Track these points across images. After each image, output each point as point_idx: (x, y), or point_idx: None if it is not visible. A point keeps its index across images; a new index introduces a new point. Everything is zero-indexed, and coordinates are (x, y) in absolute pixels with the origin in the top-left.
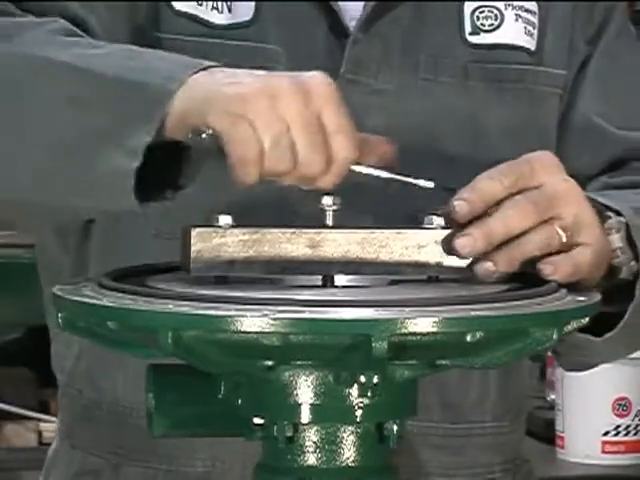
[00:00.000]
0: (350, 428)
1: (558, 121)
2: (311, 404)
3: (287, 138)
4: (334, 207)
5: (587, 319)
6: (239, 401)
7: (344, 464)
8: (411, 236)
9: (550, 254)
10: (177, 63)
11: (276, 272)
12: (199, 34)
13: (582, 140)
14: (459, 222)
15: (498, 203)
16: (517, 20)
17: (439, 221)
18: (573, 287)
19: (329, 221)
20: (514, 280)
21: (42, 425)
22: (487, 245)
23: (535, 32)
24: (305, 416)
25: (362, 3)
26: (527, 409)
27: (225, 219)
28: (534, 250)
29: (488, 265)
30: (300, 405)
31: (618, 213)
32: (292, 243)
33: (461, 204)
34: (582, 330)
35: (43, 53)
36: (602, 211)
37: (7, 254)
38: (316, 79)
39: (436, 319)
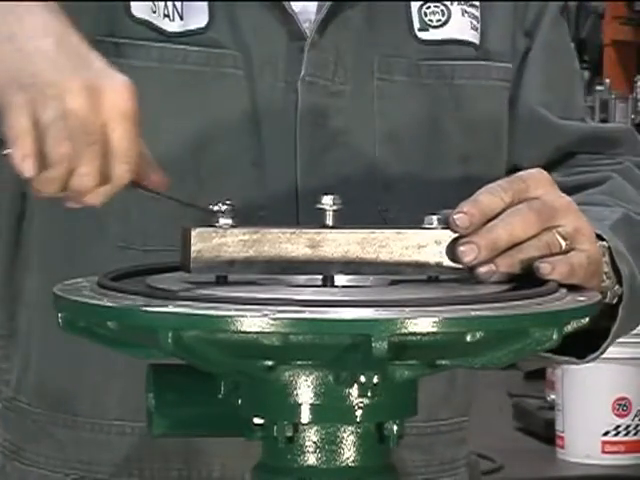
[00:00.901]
0: (350, 428)
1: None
2: (311, 404)
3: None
4: (334, 207)
5: (587, 319)
6: (239, 401)
7: (344, 464)
8: (411, 236)
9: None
10: None
11: (276, 272)
12: (160, 40)
13: (527, 131)
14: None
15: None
16: (463, 15)
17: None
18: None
19: (329, 221)
20: (514, 280)
21: None
22: (490, 253)
23: (479, 26)
24: (305, 416)
25: (315, 4)
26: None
27: (225, 219)
28: (535, 254)
29: (489, 266)
30: (300, 405)
31: (600, 237)
32: (292, 243)
33: (462, 217)
34: (561, 351)
35: None
36: None
37: None
38: (115, 86)
39: (436, 319)
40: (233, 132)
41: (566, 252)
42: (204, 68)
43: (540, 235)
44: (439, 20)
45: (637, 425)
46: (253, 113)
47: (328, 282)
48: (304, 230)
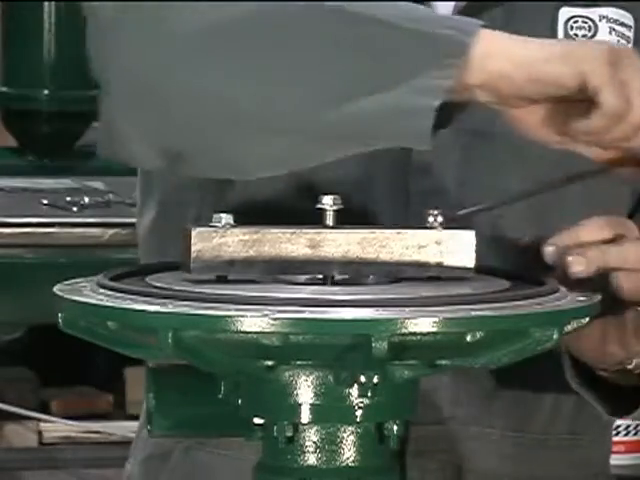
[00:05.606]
0: (350, 428)
1: None
2: (311, 404)
3: None
4: (334, 207)
5: (587, 319)
6: (239, 401)
7: (344, 464)
8: (411, 236)
9: None
10: (460, 20)
11: (276, 272)
12: None
13: None
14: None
15: None
16: (611, 33)
17: (439, 220)
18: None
19: (329, 221)
20: (514, 280)
21: (42, 425)
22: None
23: (630, 46)
24: (305, 416)
25: (453, 3)
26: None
27: (226, 219)
28: None
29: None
30: (300, 405)
31: None
32: (292, 243)
33: (581, 270)
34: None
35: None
36: None
37: (7, 254)
38: None
39: (436, 319)
40: None
41: None
42: None
43: None
44: (584, 35)
45: (637, 425)
46: None
47: (328, 282)
48: (304, 230)
